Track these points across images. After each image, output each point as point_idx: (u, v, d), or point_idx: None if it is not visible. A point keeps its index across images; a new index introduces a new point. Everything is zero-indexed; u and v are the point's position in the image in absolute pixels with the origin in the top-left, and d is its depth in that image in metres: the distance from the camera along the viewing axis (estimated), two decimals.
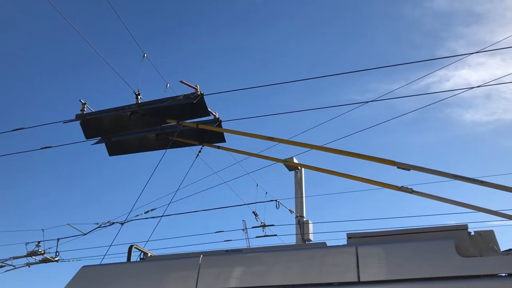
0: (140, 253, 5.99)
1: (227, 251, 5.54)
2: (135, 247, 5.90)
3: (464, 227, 4.66)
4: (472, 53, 7.54)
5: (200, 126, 6.90)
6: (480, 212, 5.37)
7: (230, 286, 4.87)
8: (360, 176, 5.93)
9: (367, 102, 8.24)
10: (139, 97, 7.35)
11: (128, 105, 7.24)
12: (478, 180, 5.26)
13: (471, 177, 5.28)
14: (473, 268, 4.19)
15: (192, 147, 7.38)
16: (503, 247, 4.67)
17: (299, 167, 14.72)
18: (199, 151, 7.20)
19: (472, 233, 4.70)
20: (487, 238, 4.64)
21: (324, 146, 6.22)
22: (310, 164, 6.59)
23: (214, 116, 6.90)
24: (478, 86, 7.59)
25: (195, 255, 5.29)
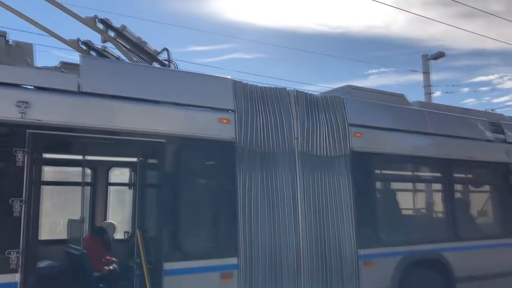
0: None
1: None
2: None
3: (2, 34, 4.43)
4: None
5: None
6: None
7: None
8: None
9: None
10: None
11: None
12: None
13: None
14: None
15: None
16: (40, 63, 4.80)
17: None
18: None
19: (11, 42, 4.55)
20: (24, 50, 4.60)
21: None
22: None
23: None
24: None
25: None
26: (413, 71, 17.29)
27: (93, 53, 5.66)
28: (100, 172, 7.07)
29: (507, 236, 7.28)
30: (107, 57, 5.70)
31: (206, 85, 5.30)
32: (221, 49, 43.77)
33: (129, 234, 6.84)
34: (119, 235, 6.87)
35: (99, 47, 5.77)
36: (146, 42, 5.71)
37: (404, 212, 7.11)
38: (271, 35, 39.83)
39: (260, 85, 5.71)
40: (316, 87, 49.35)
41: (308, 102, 5.82)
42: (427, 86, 16.08)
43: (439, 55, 16.18)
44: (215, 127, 5.08)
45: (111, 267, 5.93)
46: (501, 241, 7.21)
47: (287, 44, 51.67)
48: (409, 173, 7.30)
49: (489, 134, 7.57)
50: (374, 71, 46.23)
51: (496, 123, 7.92)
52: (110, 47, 5.84)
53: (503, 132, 7.81)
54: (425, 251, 6.30)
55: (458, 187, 7.46)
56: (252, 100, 5.42)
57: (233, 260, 4.88)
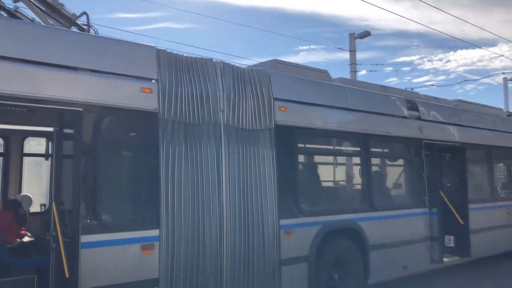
0: None
1: None
2: None
3: None
4: None
5: None
6: None
7: None
8: None
9: None
10: None
11: None
12: None
13: None
14: None
15: None
16: None
17: None
18: None
19: None
20: None
21: None
22: None
23: None
24: None
25: None
26: (340, 49, 17.81)
27: (3, 14, 5.24)
28: (14, 141, 6.65)
29: (417, 207, 7.84)
30: (19, 18, 5.30)
31: (127, 53, 5.09)
32: (150, 17, 42.32)
33: (45, 207, 6.56)
34: (35, 208, 6.56)
35: (10, 7, 5.35)
36: (63, 5, 5.38)
37: (324, 184, 7.40)
38: (204, 6, 39.07)
39: (186, 55, 5.60)
40: (249, 61, 49.42)
41: (235, 75, 5.80)
42: (353, 64, 16.63)
43: (365, 34, 16.73)
44: (136, 96, 4.92)
45: (25, 241, 5.67)
46: (412, 211, 7.76)
47: (220, 16, 50.95)
48: (330, 147, 7.59)
49: (405, 111, 8.02)
50: (304, 47, 47.13)
51: (411, 100, 8.40)
52: (23, 7, 5.44)
53: (417, 110, 8.31)
54: (342, 221, 6.63)
55: (375, 161, 7.88)
56: (176, 69, 5.31)
57: (155, 232, 4.84)
